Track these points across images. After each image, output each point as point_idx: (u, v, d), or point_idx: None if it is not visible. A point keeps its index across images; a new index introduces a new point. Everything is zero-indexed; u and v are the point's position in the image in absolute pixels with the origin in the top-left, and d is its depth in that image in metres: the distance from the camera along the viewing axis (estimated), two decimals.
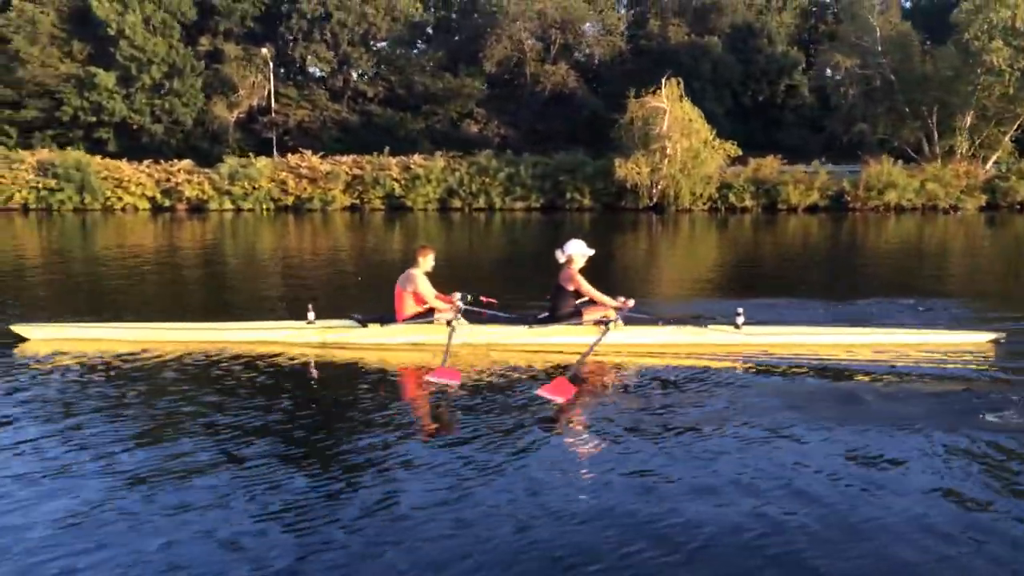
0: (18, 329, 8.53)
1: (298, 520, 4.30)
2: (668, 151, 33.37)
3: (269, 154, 46.38)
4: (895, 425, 5.74)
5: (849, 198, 33.86)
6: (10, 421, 5.91)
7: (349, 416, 6.25)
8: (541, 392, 6.33)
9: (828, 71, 39.89)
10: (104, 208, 35.69)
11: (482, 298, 8.61)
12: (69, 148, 40.85)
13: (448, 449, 5.34)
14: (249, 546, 4.05)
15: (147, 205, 36.15)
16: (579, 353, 7.53)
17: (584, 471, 5.07)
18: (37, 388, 6.84)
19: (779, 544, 4.02)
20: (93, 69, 45.70)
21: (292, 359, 7.84)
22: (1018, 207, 34.43)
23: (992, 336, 8.38)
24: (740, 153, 34.77)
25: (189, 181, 35.84)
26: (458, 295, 8.45)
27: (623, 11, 51.97)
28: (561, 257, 8.33)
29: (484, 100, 50.29)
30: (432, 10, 54.05)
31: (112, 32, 45.37)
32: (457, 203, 36.82)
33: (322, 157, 37.50)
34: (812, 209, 34.41)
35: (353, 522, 4.26)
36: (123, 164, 36.50)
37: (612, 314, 8.14)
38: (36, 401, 6.47)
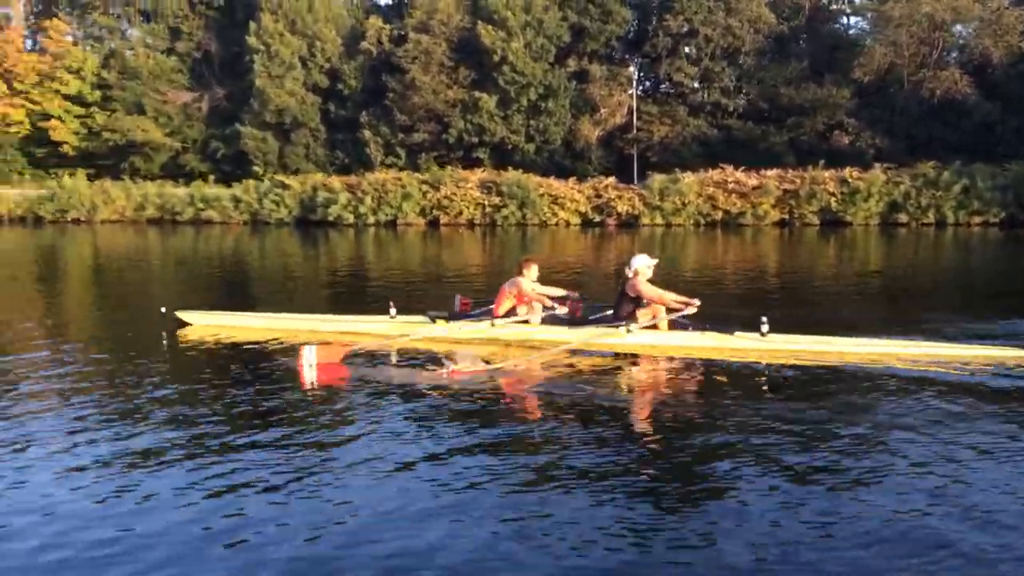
0: (181, 315, 10.60)
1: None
2: None
3: (629, 171, 46.75)
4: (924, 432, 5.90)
5: None
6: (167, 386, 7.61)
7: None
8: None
9: None
10: (541, 223, 37.06)
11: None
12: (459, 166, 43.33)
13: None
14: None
15: (578, 220, 37.12)
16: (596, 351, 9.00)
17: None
18: (194, 364, 8.78)
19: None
20: (477, 94, 48.21)
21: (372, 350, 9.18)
22: None
23: None
24: None
25: (620, 197, 36.34)
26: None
27: (1016, 9, 47.23)
28: (628, 272, 9.40)
29: (853, 109, 47.69)
30: (786, 21, 52.26)
31: (496, 59, 47.58)
32: (903, 218, 34.58)
33: (745, 171, 36.74)
34: None
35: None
36: (554, 181, 37.75)
37: (663, 317, 9.23)
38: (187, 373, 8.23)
